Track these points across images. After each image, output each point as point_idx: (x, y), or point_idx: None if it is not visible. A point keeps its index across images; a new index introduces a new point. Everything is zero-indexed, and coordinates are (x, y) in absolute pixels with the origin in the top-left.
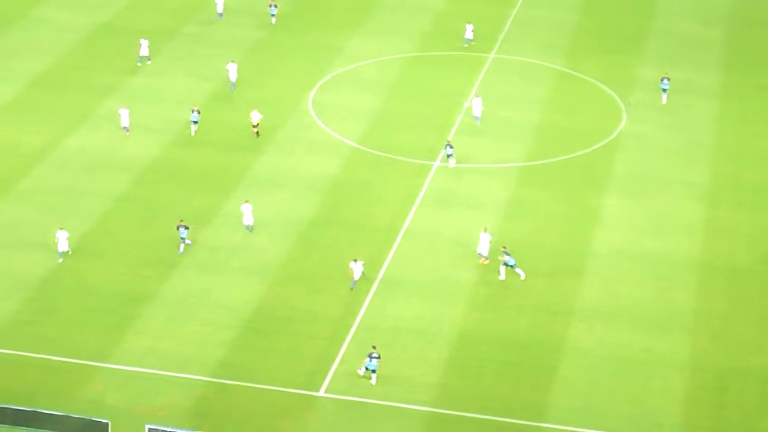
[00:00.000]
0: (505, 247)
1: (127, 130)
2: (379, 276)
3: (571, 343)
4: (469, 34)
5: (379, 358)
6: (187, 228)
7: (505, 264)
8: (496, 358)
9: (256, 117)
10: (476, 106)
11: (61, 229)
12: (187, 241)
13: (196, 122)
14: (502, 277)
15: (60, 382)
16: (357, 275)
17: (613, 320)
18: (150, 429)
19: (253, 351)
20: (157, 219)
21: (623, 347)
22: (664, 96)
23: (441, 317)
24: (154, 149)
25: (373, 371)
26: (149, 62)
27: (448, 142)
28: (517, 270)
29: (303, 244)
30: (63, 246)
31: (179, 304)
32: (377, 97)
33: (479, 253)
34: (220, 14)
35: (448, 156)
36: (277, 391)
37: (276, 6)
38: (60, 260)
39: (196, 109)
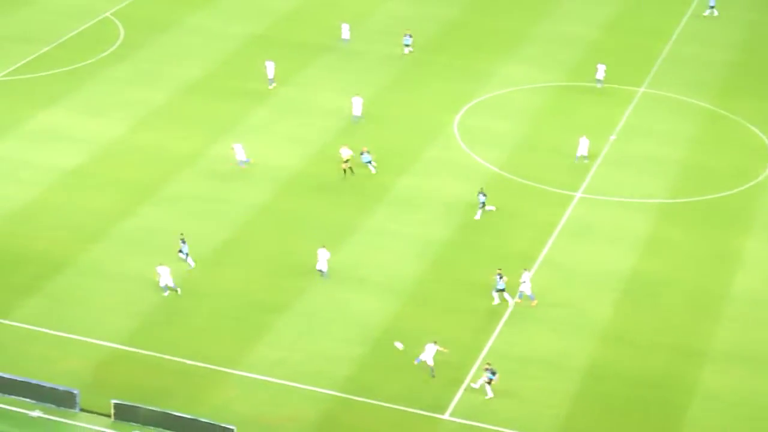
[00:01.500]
0: (500, 269)
1: (243, 164)
2: (512, 304)
3: (703, 385)
4: (600, 75)
5: (495, 373)
6: (184, 242)
7: (498, 289)
8: (625, 395)
9: (345, 153)
10: (582, 145)
11: (161, 264)
12: (189, 261)
13: (369, 162)
14: (496, 301)
15: (190, 385)
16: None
17: (750, 365)
18: None
19: (382, 369)
20: (297, 231)
21: (758, 393)
22: None
23: (572, 349)
24: (298, 161)
25: (488, 382)
26: (272, 85)
27: (482, 189)
28: (506, 295)
29: (438, 265)
30: (166, 281)
31: (313, 316)
32: (523, 124)
33: (523, 293)
34: (345, 39)
35: (482, 204)
36: (402, 411)
37: (411, 36)
38: (165, 294)
39: (366, 150)
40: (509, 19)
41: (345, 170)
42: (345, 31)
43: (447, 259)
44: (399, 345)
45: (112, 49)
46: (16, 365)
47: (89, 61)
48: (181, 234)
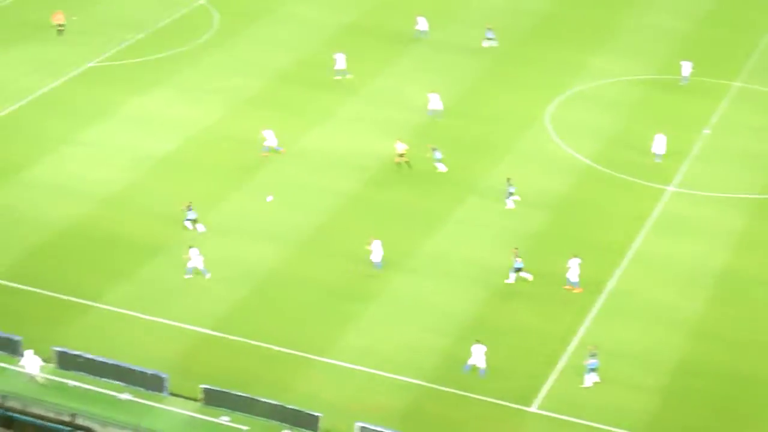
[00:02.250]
0: (516, 249)
1: (267, 151)
2: (602, 297)
3: None
4: (686, 72)
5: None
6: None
7: (516, 269)
8: (716, 392)
9: (401, 147)
10: (659, 142)
11: (191, 247)
12: (197, 226)
13: (439, 161)
14: (511, 280)
15: (277, 371)
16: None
17: None
18: (361, 427)
19: (467, 360)
20: (388, 221)
21: None
22: None
23: (662, 344)
24: (389, 151)
25: (592, 370)
26: (348, 76)
27: (509, 180)
28: (523, 274)
29: (527, 258)
30: (195, 263)
31: (401, 306)
32: (614, 117)
33: (569, 279)
34: (424, 32)
35: (510, 194)
36: (489, 402)
37: (493, 30)
38: (188, 276)
39: (433, 147)
40: (601, 10)
41: (399, 164)
42: (422, 24)
43: (536, 251)
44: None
45: (206, 37)
46: (107, 348)
47: (184, 48)
48: (189, 202)
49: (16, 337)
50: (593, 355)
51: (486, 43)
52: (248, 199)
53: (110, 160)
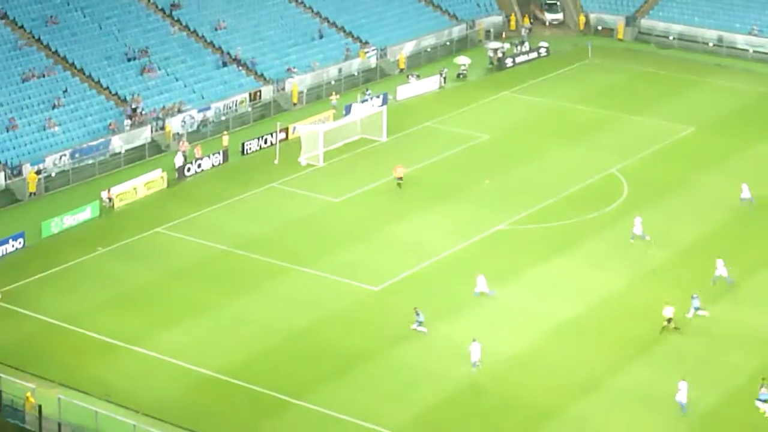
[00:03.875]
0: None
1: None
2: None
3: None
4: (745, 194)
5: None
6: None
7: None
8: None
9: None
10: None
11: (474, 340)
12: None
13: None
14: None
15: None
16: None
17: None
18: None
19: None
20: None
21: None
22: None
23: None
24: None
25: None
26: (646, 238)
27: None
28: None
29: None
30: (475, 358)
31: None
32: None
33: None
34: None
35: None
36: None
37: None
38: (474, 369)
39: None
40: None
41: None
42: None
43: None
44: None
45: (615, 205)
46: None
47: (592, 215)
48: (416, 308)
49: None
50: None
51: None
52: (647, 369)
53: (513, 322)
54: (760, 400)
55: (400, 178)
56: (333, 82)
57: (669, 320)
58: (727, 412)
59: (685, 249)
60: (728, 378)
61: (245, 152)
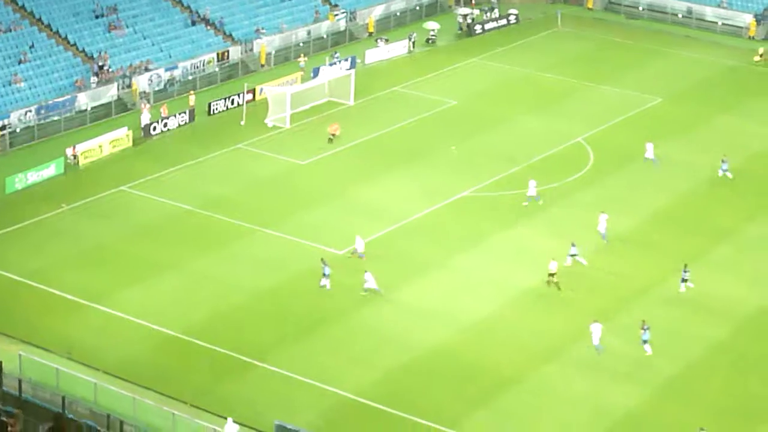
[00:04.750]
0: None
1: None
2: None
3: None
4: (649, 154)
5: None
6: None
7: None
8: None
9: (553, 266)
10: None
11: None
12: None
13: None
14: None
15: None
16: None
17: None
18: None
19: None
20: (752, 373)
21: None
22: None
23: None
24: (760, 300)
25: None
26: (539, 201)
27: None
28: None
29: None
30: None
31: None
32: None
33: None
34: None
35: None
36: None
37: (726, 161)
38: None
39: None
40: None
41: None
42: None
43: None
44: None
45: (580, 174)
46: None
47: (556, 184)
48: (322, 258)
49: None
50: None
51: (721, 173)
52: (609, 337)
53: (474, 289)
54: (643, 340)
55: (333, 135)
56: (301, 44)
57: (552, 275)
58: (689, 381)
59: (647, 218)
60: (690, 348)
61: (212, 112)
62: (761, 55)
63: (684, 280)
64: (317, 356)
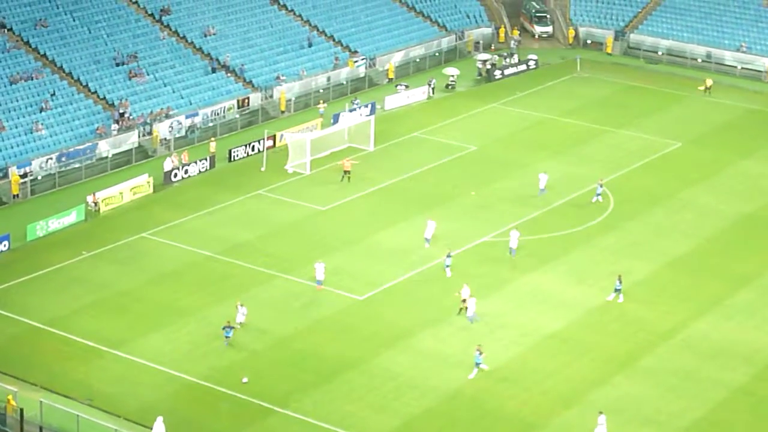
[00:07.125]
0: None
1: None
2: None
3: None
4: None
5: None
6: (231, 329)
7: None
8: None
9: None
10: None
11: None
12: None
13: None
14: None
15: None
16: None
17: None
18: None
19: None
20: None
21: None
22: None
23: None
24: None
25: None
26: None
27: None
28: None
29: None
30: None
31: None
32: None
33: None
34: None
35: None
36: None
37: (602, 186)
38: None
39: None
40: None
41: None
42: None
43: None
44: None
45: (601, 219)
46: None
47: (578, 229)
48: (228, 321)
49: None
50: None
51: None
52: (629, 383)
53: (495, 334)
54: (477, 363)
55: (347, 171)
56: (321, 91)
57: (464, 300)
58: (710, 426)
59: (669, 263)
60: (711, 393)
61: (232, 159)
62: (708, 87)
63: (617, 290)
64: (338, 402)
